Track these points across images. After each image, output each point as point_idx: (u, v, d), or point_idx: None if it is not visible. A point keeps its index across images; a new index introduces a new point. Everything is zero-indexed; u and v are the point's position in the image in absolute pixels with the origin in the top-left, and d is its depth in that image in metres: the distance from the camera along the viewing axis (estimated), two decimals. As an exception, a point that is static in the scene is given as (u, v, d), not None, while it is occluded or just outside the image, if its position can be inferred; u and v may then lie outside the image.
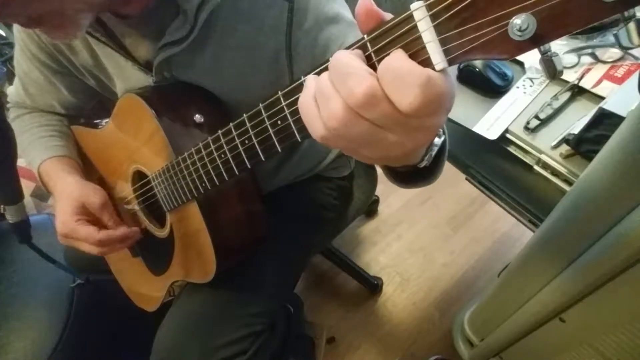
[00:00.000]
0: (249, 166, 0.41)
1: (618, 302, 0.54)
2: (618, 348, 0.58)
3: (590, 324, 0.61)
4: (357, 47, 0.28)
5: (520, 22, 0.21)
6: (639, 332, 0.53)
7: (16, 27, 0.62)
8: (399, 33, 0.26)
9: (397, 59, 0.25)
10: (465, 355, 1.04)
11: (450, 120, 0.76)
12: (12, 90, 0.72)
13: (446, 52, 0.25)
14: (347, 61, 0.26)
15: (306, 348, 1.15)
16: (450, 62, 0.25)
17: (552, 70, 0.25)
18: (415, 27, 0.25)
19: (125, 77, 0.59)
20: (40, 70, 0.65)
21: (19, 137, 0.52)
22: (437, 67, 0.25)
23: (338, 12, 0.52)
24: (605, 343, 0.59)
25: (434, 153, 0.38)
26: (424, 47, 0.25)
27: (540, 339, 0.72)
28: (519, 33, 0.21)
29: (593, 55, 0.73)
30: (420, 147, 0.28)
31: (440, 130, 0.39)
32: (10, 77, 1.52)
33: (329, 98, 0.26)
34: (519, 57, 0.79)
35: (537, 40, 0.22)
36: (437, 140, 0.38)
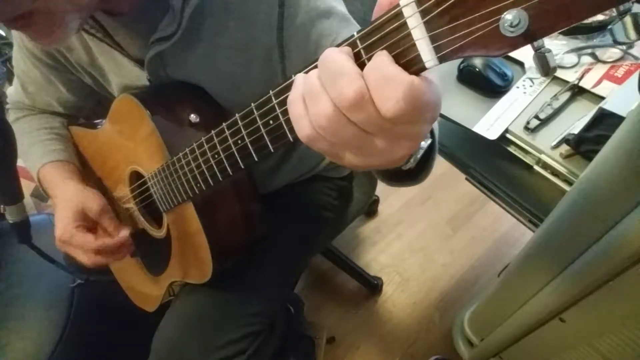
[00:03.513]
0: (242, 167, 0.41)
1: (618, 302, 0.54)
2: (618, 348, 0.58)
3: (590, 324, 0.61)
4: (347, 45, 0.27)
5: (511, 18, 0.21)
6: (639, 332, 0.53)
7: None
8: (388, 30, 0.25)
9: (382, 63, 0.25)
10: (465, 355, 1.04)
11: (450, 120, 0.76)
12: (12, 91, 0.72)
13: (437, 49, 0.24)
14: (337, 60, 0.26)
15: (306, 348, 1.15)
16: (441, 60, 0.25)
17: (545, 67, 0.25)
18: (405, 24, 0.24)
19: (123, 73, 0.59)
20: (38, 68, 0.65)
21: (18, 139, 0.52)
22: (428, 65, 0.25)
23: (330, 5, 0.51)
24: (605, 343, 0.59)
25: (419, 156, 0.37)
26: (414, 45, 0.25)
27: (540, 339, 0.72)
28: (511, 29, 0.21)
29: (593, 55, 0.73)
30: (405, 155, 0.28)
31: (428, 133, 0.38)
32: (10, 77, 1.52)
33: (317, 97, 0.26)
34: (519, 57, 0.79)
35: (530, 36, 0.21)
36: (423, 144, 0.37)
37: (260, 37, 0.51)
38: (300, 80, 0.29)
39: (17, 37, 0.63)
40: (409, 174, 0.40)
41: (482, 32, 0.22)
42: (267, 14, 0.50)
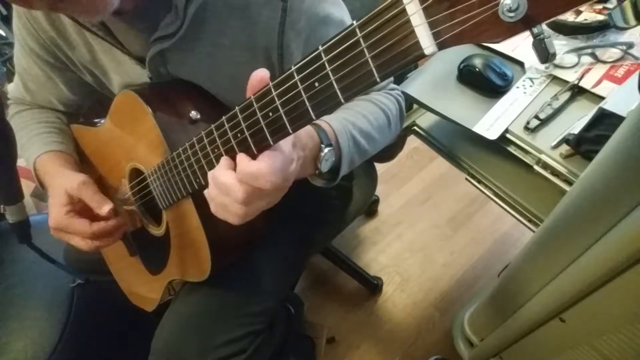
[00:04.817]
0: None
1: (618, 302, 0.54)
2: (618, 348, 0.58)
3: (590, 324, 0.61)
4: (345, 34, 0.28)
5: (510, 2, 0.21)
6: (639, 332, 0.53)
7: (16, 24, 0.62)
8: (387, 17, 0.25)
9: (244, 165, 0.38)
10: (465, 355, 1.04)
11: (450, 120, 0.76)
12: (12, 87, 0.72)
13: (436, 36, 0.24)
14: (222, 180, 0.39)
15: (306, 348, 1.15)
16: (441, 46, 0.25)
17: (544, 53, 0.25)
18: (403, 10, 0.25)
19: (124, 71, 0.60)
20: (39, 66, 0.65)
21: (17, 133, 0.53)
22: (427, 52, 0.25)
23: (328, 12, 0.53)
24: (605, 343, 0.59)
25: (324, 170, 0.50)
26: (413, 31, 0.25)
27: (540, 339, 0.72)
28: (510, 14, 0.21)
29: (593, 55, 0.73)
30: (284, 190, 0.42)
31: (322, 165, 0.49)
32: (10, 77, 1.52)
33: (226, 205, 0.41)
34: (519, 57, 0.79)
35: (529, 21, 0.21)
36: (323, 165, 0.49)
37: (260, 38, 0.52)
38: (207, 195, 0.42)
39: (19, 35, 0.63)
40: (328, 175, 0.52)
41: (481, 18, 0.22)
42: (270, 17, 0.51)
